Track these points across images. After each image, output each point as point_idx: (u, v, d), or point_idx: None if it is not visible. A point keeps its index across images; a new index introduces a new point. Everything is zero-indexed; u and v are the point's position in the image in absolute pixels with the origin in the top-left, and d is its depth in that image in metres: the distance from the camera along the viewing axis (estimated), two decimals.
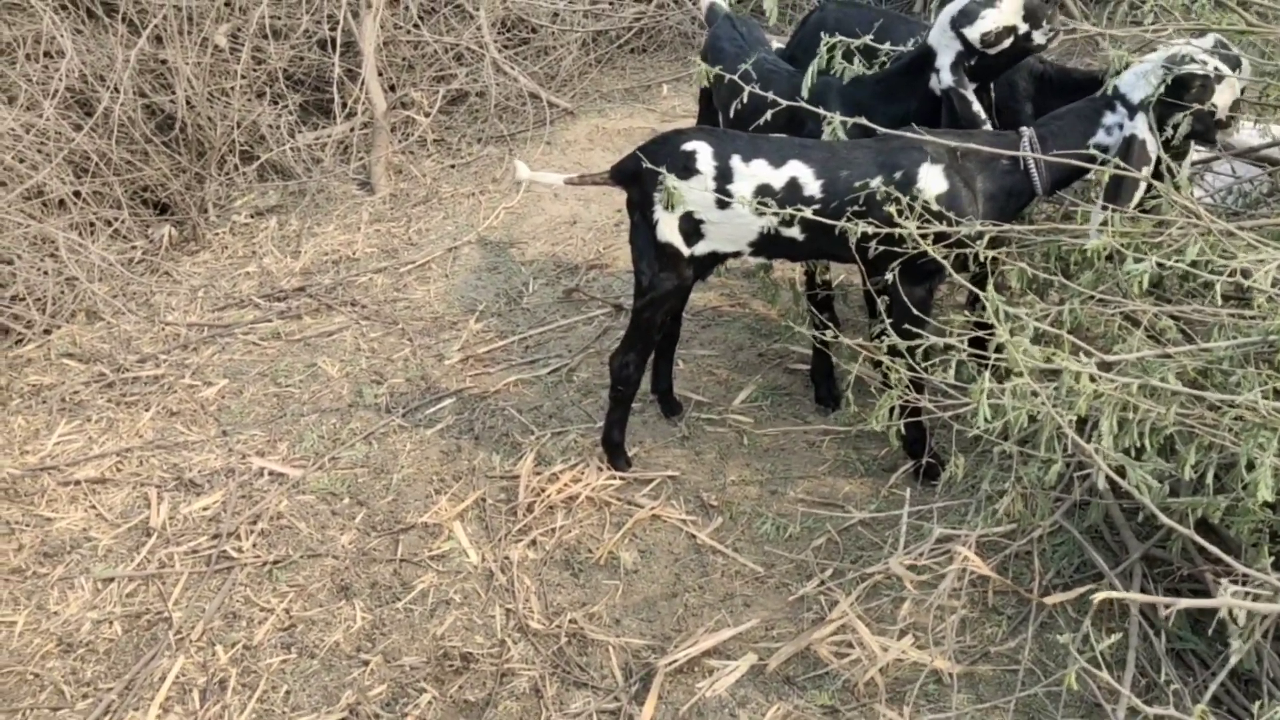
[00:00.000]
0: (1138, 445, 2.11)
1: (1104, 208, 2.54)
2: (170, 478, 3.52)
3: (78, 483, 3.52)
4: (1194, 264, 2.14)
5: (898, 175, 2.76)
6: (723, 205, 2.85)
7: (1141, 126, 2.65)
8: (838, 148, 2.86)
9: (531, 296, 4.23)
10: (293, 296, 4.42)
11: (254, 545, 3.20)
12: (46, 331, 4.29)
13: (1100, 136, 2.74)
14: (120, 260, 4.59)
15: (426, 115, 5.60)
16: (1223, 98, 2.64)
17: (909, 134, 2.75)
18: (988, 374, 2.19)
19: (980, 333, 2.65)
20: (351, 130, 5.40)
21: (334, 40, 5.43)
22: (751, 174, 2.83)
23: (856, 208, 2.73)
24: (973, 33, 2.87)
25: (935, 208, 2.73)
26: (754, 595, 2.86)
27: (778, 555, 2.95)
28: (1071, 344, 2.26)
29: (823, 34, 3.13)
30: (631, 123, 5.48)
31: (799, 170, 2.82)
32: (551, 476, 3.27)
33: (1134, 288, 2.22)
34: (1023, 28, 2.87)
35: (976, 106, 2.89)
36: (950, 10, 2.93)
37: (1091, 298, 2.53)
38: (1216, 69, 2.61)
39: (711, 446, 3.36)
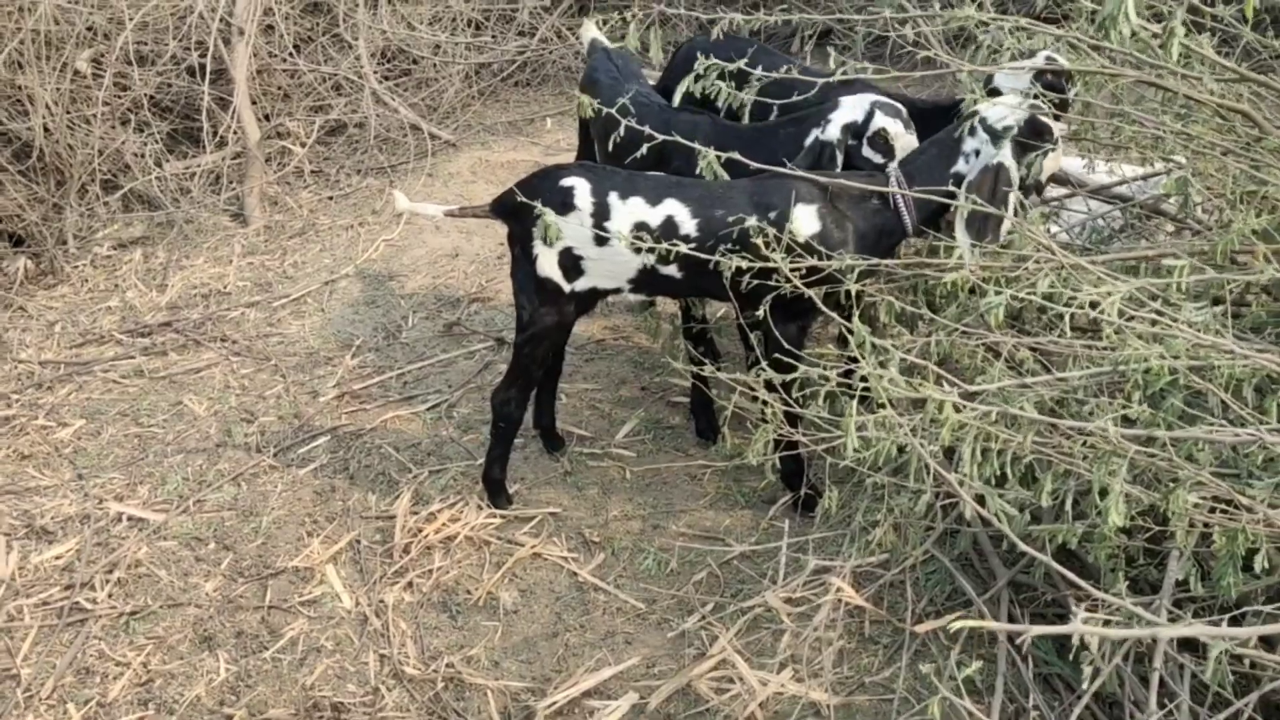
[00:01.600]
0: (999, 474, 2.17)
1: (972, 244, 2.61)
2: (20, 525, 3.32)
3: None
4: (1048, 297, 2.21)
5: (772, 215, 2.80)
6: (601, 242, 2.85)
7: (1006, 155, 2.72)
8: (714, 186, 2.89)
9: (411, 331, 4.15)
10: (158, 332, 4.24)
11: (110, 595, 3.03)
12: None
13: (960, 165, 2.80)
14: None
15: (303, 145, 5.48)
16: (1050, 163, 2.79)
17: (783, 172, 2.80)
18: (854, 406, 2.22)
19: (852, 366, 2.70)
20: (223, 160, 5.24)
21: (204, 67, 5.27)
22: (629, 211, 2.84)
23: (729, 245, 2.76)
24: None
25: (809, 249, 2.77)
26: (635, 632, 2.83)
27: (659, 591, 2.93)
28: (936, 375, 2.31)
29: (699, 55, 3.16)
30: (515, 155, 5.45)
31: (675, 208, 2.84)
32: (429, 516, 3.19)
33: (993, 320, 2.29)
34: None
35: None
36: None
37: (955, 330, 2.59)
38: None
39: (594, 482, 3.33)
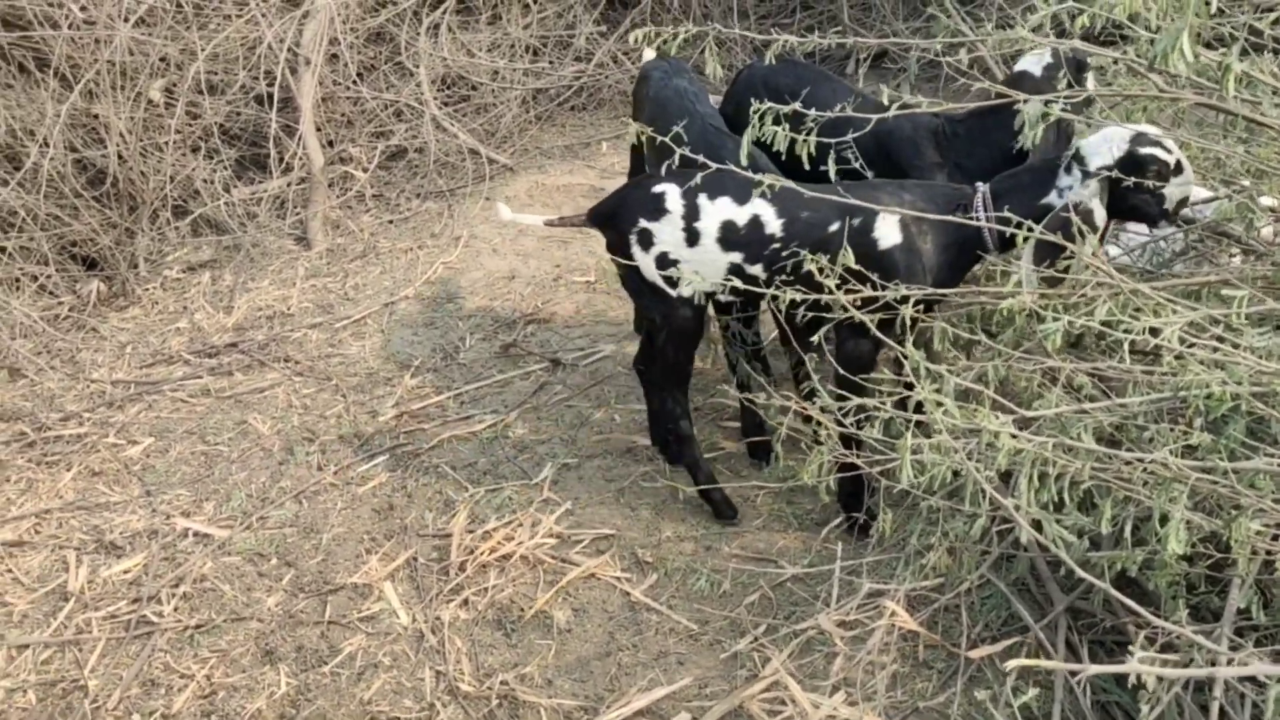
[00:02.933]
0: (1056, 500, 2.15)
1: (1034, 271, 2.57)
2: (90, 540, 3.42)
3: None
4: (1107, 323, 2.20)
5: (855, 222, 2.82)
6: (692, 242, 2.93)
7: (1090, 194, 2.62)
8: (800, 190, 2.82)
9: (468, 352, 4.21)
10: (224, 353, 4.35)
11: (175, 609, 3.11)
12: None
13: (1051, 198, 2.72)
14: (46, 316, 4.50)
15: (365, 170, 5.60)
16: (1174, 191, 2.62)
17: (869, 183, 2.81)
18: (910, 432, 2.21)
19: (908, 392, 2.69)
20: (288, 185, 5.37)
21: (271, 96, 5.42)
22: (717, 211, 2.91)
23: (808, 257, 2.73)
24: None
25: (889, 258, 2.78)
26: (688, 653, 2.84)
27: (712, 612, 2.94)
28: (993, 401, 2.30)
29: (751, 97, 3.18)
30: (571, 179, 5.52)
31: (761, 208, 2.89)
32: (485, 534, 3.23)
33: (1051, 345, 2.28)
34: None
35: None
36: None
37: (1013, 355, 2.58)
38: (1178, 161, 2.59)
39: (647, 502, 3.36)
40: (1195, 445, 2.15)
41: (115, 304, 4.81)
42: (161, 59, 5.29)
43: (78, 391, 4.19)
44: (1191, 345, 2.17)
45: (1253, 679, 2.09)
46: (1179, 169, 2.62)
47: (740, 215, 2.90)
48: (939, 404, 2.07)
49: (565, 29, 6.44)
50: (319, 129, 5.56)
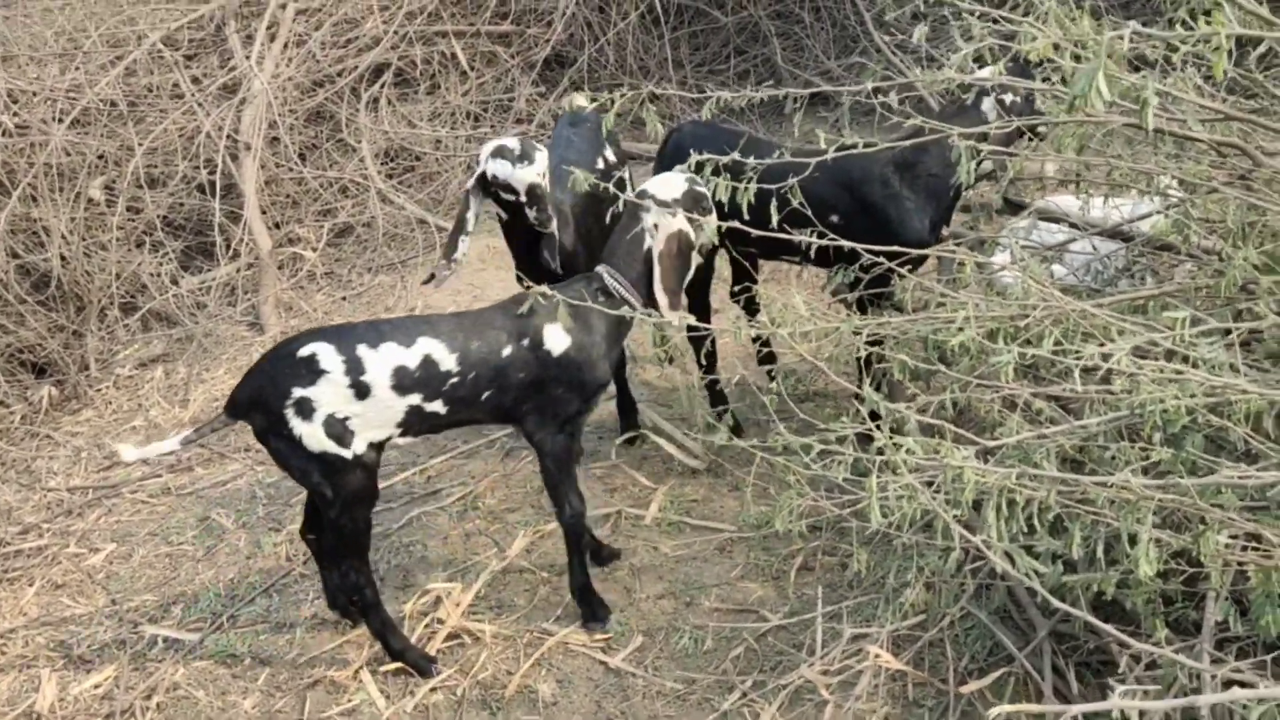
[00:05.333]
0: (1025, 529, 2.15)
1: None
2: (58, 655, 3.33)
3: None
4: (1057, 350, 2.21)
5: (525, 341, 2.88)
6: (362, 395, 2.75)
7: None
8: (464, 319, 2.92)
9: None
10: (182, 448, 4.27)
11: None
12: None
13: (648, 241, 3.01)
14: None
15: (314, 250, 5.58)
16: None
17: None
18: (876, 472, 2.21)
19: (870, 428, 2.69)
20: (237, 271, 5.34)
21: (214, 184, 5.41)
22: (383, 359, 2.76)
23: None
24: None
25: (566, 359, 2.89)
26: (677, 715, 2.80)
27: (697, 674, 2.89)
28: (954, 434, 2.31)
29: (691, 152, 3.20)
30: None
31: (432, 346, 2.80)
32: (461, 611, 3.18)
33: (1003, 374, 2.29)
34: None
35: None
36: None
37: (969, 384, 2.59)
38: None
39: (622, 563, 3.32)
40: (1157, 461, 2.16)
41: (68, 407, 4.73)
42: (99, 157, 5.27)
43: (35, 502, 4.10)
44: (1143, 358, 2.19)
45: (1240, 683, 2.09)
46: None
47: (410, 358, 2.78)
48: (900, 445, 2.07)
49: (504, 93, 6.50)
50: (264, 212, 5.55)
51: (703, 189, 2.97)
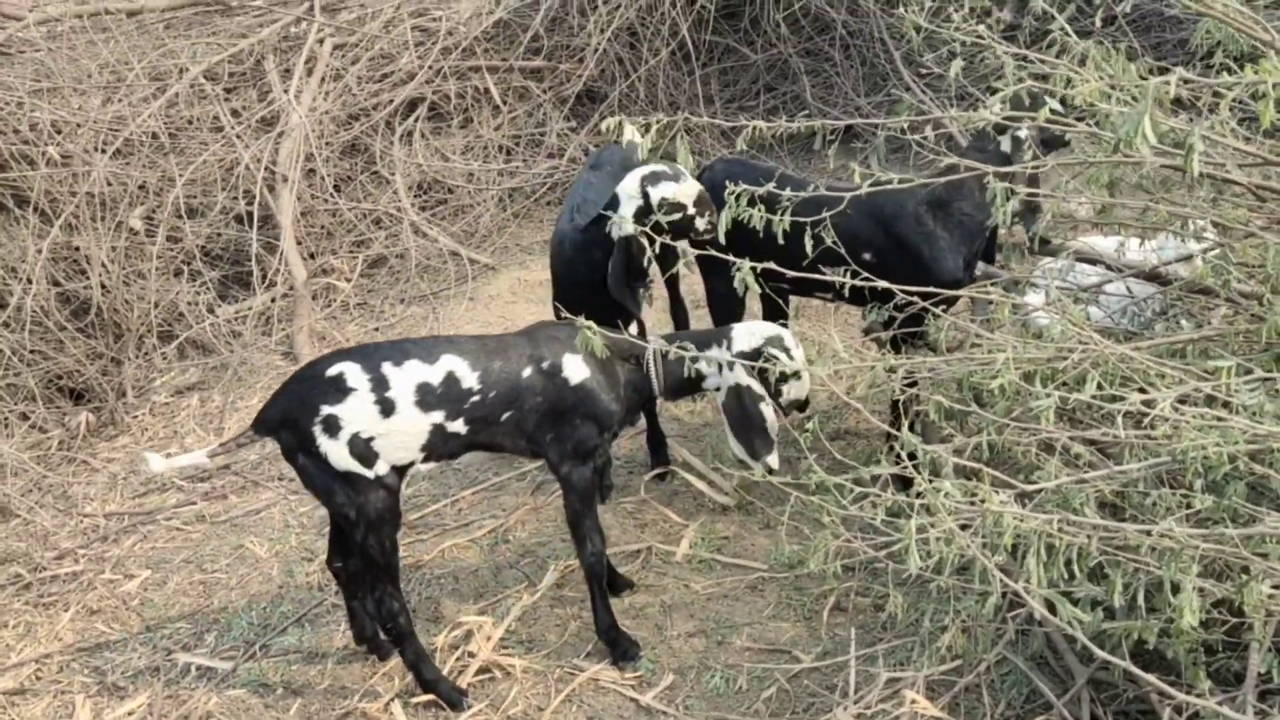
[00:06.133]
0: (1065, 575, 2.13)
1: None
2: (93, 682, 3.35)
3: None
4: (1097, 395, 2.21)
5: (545, 365, 2.93)
6: (387, 413, 2.80)
7: (741, 374, 3.05)
8: (487, 340, 3.01)
9: (463, 456, 4.18)
10: (217, 476, 4.32)
11: None
12: None
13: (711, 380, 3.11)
14: (35, 453, 4.47)
15: (348, 280, 5.64)
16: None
17: (552, 325, 3.04)
18: (915, 515, 2.20)
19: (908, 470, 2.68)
20: (272, 301, 5.40)
21: (251, 214, 5.48)
22: (406, 376, 2.82)
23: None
24: (655, 193, 3.19)
25: (581, 391, 2.94)
26: None
27: (729, 712, 2.88)
28: (992, 477, 2.30)
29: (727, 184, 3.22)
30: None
31: (454, 363, 2.87)
32: (492, 645, 3.18)
33: (1043, 418, 2.28)
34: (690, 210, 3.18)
35: (649, 256, 3.15)
36: (641, 170, 3.26)
37: (1006, 425, 2.58)
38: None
39: (654, 600, 3.32)
40: (1198, 509, 2.14)
41: (105, 434, 4.78)
42: (140, 187, 5.36)
43: (71, 527, 4.15)
44: (1184, 406, 2.18)
45: None
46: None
47: (434, 374, 2.84)
48: (940, 490, 2.07)
49: (536, 127, 6.56)
50: (300, 243, 5.62)
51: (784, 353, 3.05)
